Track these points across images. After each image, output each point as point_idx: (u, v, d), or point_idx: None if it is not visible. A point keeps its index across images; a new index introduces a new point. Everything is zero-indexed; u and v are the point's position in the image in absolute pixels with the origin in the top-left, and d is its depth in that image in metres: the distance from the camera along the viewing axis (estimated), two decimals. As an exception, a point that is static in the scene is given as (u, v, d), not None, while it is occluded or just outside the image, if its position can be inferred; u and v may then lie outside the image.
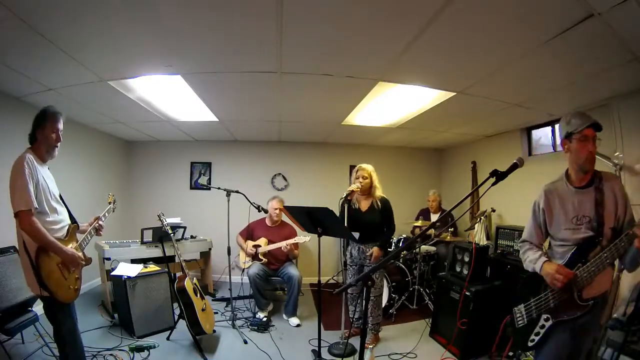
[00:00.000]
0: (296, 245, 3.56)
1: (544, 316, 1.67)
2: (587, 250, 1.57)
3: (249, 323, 3.32)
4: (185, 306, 2.72)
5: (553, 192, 1.75)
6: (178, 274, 3.30)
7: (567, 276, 1.53)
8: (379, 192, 2.94)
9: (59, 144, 1.93)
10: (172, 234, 3.13)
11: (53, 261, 1.78)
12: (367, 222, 2.87)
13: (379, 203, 2.90)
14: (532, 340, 1.70)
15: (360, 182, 2.88)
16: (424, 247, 3.99)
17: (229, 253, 3.35)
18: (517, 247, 3.10)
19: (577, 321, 1.57)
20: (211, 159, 5.27)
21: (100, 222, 2.16)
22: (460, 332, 2.68)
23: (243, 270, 3.66)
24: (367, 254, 2.88)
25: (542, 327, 1.67)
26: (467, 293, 2.71)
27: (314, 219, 2.43)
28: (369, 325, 2.95)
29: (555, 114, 3.27)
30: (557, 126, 3.55)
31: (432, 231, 4.11)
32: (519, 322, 1.79)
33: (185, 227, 3.95)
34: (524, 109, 3.09)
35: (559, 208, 1.70)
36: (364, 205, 2.95)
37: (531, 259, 1.74)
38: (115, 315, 3.25)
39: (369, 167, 2.95)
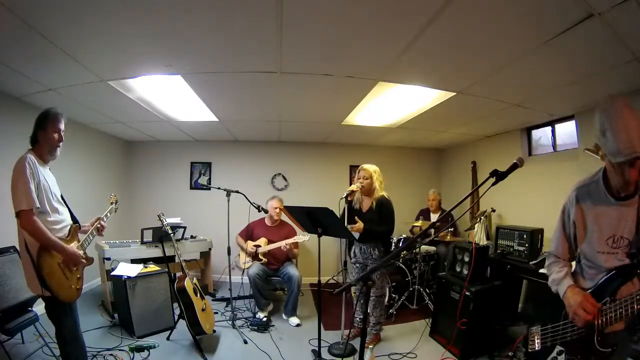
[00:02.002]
0: (296, 244, 3.56)
1: (558, 349, 1.44)
2: (619, 282, 1.27)
3: (249, 323, 3.32)
4: (185, 306, 2.72)
5: (587, 200, 1.40)
6: (178, 274, 3.30)
7: (593, 314, 1.27)
8: (378, 193, 2.92)
9: (61, 144, 1.94)
10: (172, 234, 3.13)
11: (55, 261, 1.79)
12: (367, 223, 2.87)
13: (375, 203, 2.89)
14: None
15: (361, 183, 2.88)
16: (424, 247, 3.98)
17: (229, 253, 3.35)
18: (516, 247, 3.10)
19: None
20: (211, 159, 5.27)
21: (102, 223, 2.17)
22: (460, 332, 2.68)
23: (243, 270, 3.67)
24: (372, 257, 2.88)
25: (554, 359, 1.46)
26: (467, 293, 2.71)
27: (314, 219, 2.44)
28: (370, 324, 2.96)
29: (555, 113, 3.27)
30: (557, 126, 3.55)
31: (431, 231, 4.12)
32: (531, 347, 1.56)
33: (185, 227, 3.94)
34: (524, 109, 3.08)
35: (593, 223, 1.37)
36: (365, 205, 2.95)
37: (554, 279, 1.47)
38: (115, 315, 3.25)
39: (370, 168, 2.94)
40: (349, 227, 2.74)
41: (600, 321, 1.28)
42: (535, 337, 1.56)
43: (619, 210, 1.31)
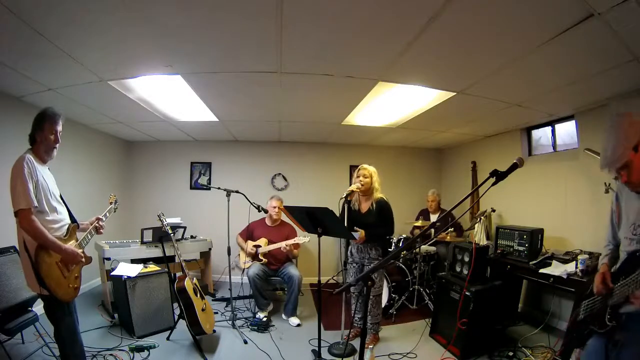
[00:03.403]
0: (296, 245, 3.56)
1: (589, 319, 1.63)
2: (633, 265, 1.39)
3: (249, 323, 3.31)
4: (185, 306, 2.72)
5: (623, 191, 1.57)
6: (178, 274, 3.30)
7: (600, 285, 1.49)
8: (377, 194, 2.92)
9: (57, 145, 1.93)
10: (172, 234, 3.13)
11: (52, 260, 1.79)
12: (365, 224, 2.86)
13: (375, 205, 2.89)
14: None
15: (361, 182, 2.87)
16: (424, 247, 3.98)
17: (229, 253, 3.35)
18: (516, 247, 3.10)
19: (613, 336, 1.45)
20: (211, 159, 5.27)
21: (101, 222, 2.17)
22: (460, 332, 2.68)
23: (243, 270, 3.66)
24: (370, 256, 2.89)
25: (585, 328, 1.62)
26: (467, 293, 2.71)
27: (314, 219, 2.43)
28: (368, 324, 2.96)
29: (555, 113, 3.27)
30: (557, 126, 3.55)
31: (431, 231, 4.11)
32: (579, 317, 1.73)
33: (185, 227, 3.94)
34: (524, 109, 3.08)
35: (624, 211, 1.55)
36: (364, 207, 2.95)
37: (600, 258, 1.71)
38: (115, 315, 3.25)
39: (370, 168, 2.95)
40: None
41: (609, 297, 1.45)
42: (581, 310, 1.72)
43: (639, 203, 1.47)
